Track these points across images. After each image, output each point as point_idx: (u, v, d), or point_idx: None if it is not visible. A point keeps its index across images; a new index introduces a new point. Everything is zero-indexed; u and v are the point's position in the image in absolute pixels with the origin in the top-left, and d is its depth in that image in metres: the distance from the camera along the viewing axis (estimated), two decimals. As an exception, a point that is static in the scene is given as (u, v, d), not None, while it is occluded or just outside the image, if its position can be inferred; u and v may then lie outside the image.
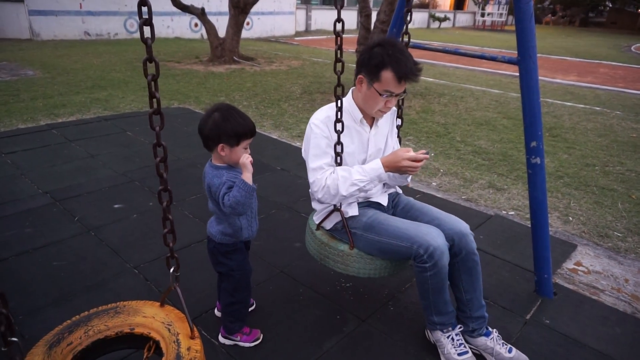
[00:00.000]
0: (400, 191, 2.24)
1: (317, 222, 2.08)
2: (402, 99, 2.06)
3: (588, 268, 2.74)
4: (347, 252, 1.95)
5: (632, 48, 19.47)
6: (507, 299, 2.38)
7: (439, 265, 1.75)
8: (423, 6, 29.17)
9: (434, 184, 3.98)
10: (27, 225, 2.89)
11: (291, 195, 3.44)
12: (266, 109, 6.38)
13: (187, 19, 15.34)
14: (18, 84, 6.91)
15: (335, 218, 2.00)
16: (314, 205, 2.09)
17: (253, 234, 1.88)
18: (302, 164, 3.37)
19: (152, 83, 1.19)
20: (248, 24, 16.82)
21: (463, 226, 1.89)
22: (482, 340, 1.94)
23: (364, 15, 7.44)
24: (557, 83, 9.90)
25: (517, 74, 2.11)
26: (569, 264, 2.76)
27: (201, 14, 10.17)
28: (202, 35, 15.36)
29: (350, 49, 10.25)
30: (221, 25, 11.51)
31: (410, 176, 2.09)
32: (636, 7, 33.87)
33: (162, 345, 1.32)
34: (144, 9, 1.03)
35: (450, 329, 1.91)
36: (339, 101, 1.79)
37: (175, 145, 4.51)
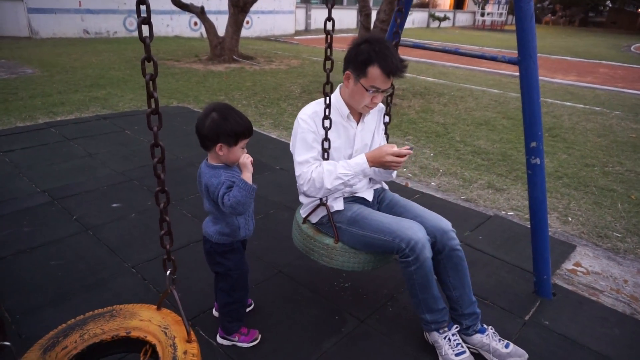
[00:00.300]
0: (386, 187, 2.28)
1: (303, 216, 2.13)
2: (391, 97, 2.09)
3: (587, 269, 2.73)
4: (331, 245, 2.00)
5: (631, 48, 19.47)
6: (506, 300, 2.37)
7: (420, 258, 1.79)
8: (423, 5, 29.14)
9: (434, 184, 3.97)
10: (25, 224, 2.88)
11: (290, 195, 3.43)
12: (265, 108, 6.37)
13: (186, 17, 15.31)
14: (17, 82, 6.89)
15: (321, 212, 2.05)
16: (301, 199, 2.12)
17: (250, 233, 1.88)
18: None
19: (151, 82, 1.18)
20: (248, 22, 16.80)
21: (444, 223, 1.94)
22: (477, 337, 1.94)
23: (364, 14, 7.43)
24: (557, 83, 9.89)
25: (517, 73, 2.10)
26: (568, 265, 2.76)
27: (201, 12, 10.16)
28: (201, 34, 15.34)
29: (349, 48, 10.23)
30: (221, 24, 11.50)
31: (395, 171, 2.12)
32: (636, 7, 33.87)
33: (159, 349, 1.31)
34: (143, 7, 1.02)
35: (446, 329, 1.91)
36: (327, 98, 1.82)
37: (174, 144, 4.50)
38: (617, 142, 5.44)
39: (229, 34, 10.21)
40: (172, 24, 15.24)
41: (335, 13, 22.22)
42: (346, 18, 21.69)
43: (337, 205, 2.02)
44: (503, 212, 3.46)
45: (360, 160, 1.86)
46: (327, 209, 1.99)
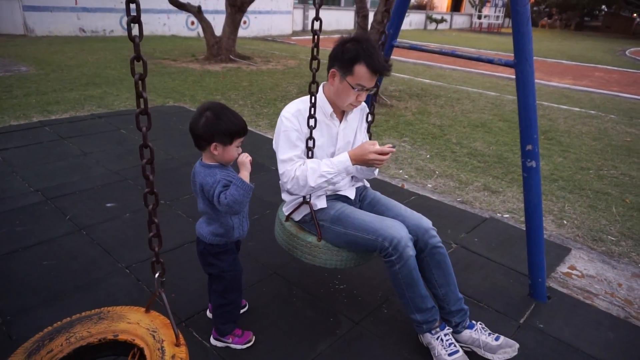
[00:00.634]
0: (367, 185, 2.30)
1: (286, 214, 2.14)
2: (375, 95, 2.09)
3: (582, 272, 2.74)
4: (314, 243, 2.01)
5: (626, 52, 19.59)
6: (501, 303, 2.37)
7: (404, 256, 1.81)
8: (420, 7, 29.22)
9: (429, 185, 3.97)
10: (17, 224, 2.85)
11: (286, 196, 3.41)
12: (262, 108, 6.36)
13: (183, 16, 15.26)
14: (11, 80, 6.83)
15: (304, 210, 2.06)
16: (284, 196, 2.13)
17: (244, 234, 1.86)
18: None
19: (140, 82, 1.16)
20: (245, 22, 16.77)
21: (425, 222, 1.97)
22: (467, 333, 1.96)
23: (361, 15, 7.42)
24: (553, 86, 9.93)
25: (514, 76, 2.10)
26: (563, 268, 2.76)
27: (198, 12, 10.12)
28: (198, 33, 15.30)
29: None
30: (218, 24, 11.48)
31: (377, 169, 2.13)
32: (631, 12, 34.10)
33: (146, 352, 1.29)
34: (132, 6, 1.01)
35: (438, 329, 1.92)
36: (313, 97, 1.83)
37: (169, 144, 4.48)
38: (612, 146, 5.46)
39: (226, 34, 10.18)
40: (169, 23, 15.19)
41: (333, 14, 22.28)
42: (343, 19, 21.69)
43: (320, 203, 2.03)
44: (499, 214, 3.47)
45: (343, 158, 1.88)
46: (310, 207, 2.01)
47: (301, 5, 20.19)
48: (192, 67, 9.20)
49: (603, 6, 35.15)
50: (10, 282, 2.31)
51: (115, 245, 2.68)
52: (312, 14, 20.99)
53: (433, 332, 1.92)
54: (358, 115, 2.13)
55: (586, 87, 10.11)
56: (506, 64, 2.15)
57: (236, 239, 1.84)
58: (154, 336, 1.34)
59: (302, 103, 1.95)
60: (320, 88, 2.01)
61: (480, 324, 2.00)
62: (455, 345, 1.90)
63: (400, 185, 3.92)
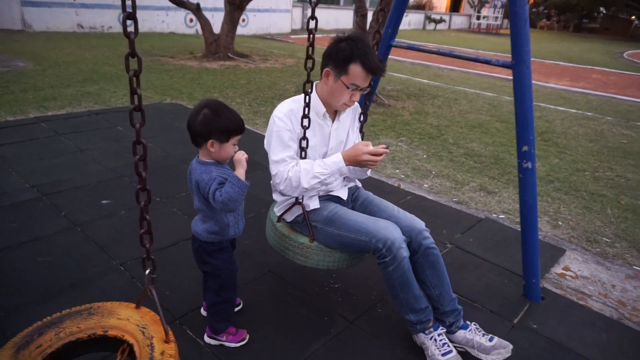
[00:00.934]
0: (359, 185, 2.29)
1: (278, 214, 2.13)
2: (369, 95, 2.09)
3: (576, 273, 2.75)
4: (307, 244, 2.01)
5: (624, 54, 19.65)
6: (495, 303, 2.38)
7: (398, 257, 1.81)
8: (419, 7, 29.22)
9: (426, 185, 3.98)
10: (12, 220, 2.84)
11: (282, 194, 3.40)
12: (259, 106, 6.35)
13: (182, 14, 15.21)
14: (8, 76, 6.80)
15: (296, 211, 2.05)
16: (275, 197, 2.12)
17: (239, 232, 1.86)
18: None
19: (134, 79, 1.16)
20: (244, 20, 16.73)
21: (418, 223, 1.97)
22: (461, 334, 1.96)
23: (360, 15, 7.42)
24: (551, 87, 9.96)
25: (511, 77, 2.11)
26: (557, 269, 2.77)
27: (196, 9, 10.09)
28: (197, 30, 15.25)
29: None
30: (216, 22, 11.44)
31: (370, 169, 2.13)
32: (629, 14, 34.19)
33: (136, 348, 1.29)
34: (128, 2, 1.00)
35: (432, 329, 1.92)
36: (307, 97, 1.82)
37: (166, 141, 4.47)
38: (608, 148, 5.48)
39: (225, 32, 10.16)
40: (168, 20, 15.14)
41: (332, 13, 22.26)
42: (343, 18, 21.67)
43: (313, 203, 2.02)
44: (494, 215, 3.48)
45: (337, 159, 1.88)
46: (303, 207, 2.00)
47: (300, 4, 20.16)
48: (190, 65, 9.18)
49: (601, 8, 35.23)
50: (4, 278, 2.30)
51: (110, 242, 2.67)
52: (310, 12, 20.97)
53: (427, 332, 1.92)
54: (351, 115, 2.13)
55: (583, 89, 10.14)
56: (503, 65, 2.15)
57: (232, 237, 1.84)
58: (143, 332, 1.34)
59: (294, 103, 1.94)
60: (314, 87, 2.00)
61: (474, 324, 2.00)
62: (448, 345, 1.90)
63: (396, 185, 3.93)
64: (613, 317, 2.35)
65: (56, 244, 2.62)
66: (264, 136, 5.29)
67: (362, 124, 2.22)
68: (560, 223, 3.40)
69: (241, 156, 1.72)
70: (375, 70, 1.81)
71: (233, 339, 1.94)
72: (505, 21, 31.34)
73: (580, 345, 2.11)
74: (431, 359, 1.89)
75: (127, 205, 3.13)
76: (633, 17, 34.05)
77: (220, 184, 1.65)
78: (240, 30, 12.58)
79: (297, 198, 2.00)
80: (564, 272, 2.75)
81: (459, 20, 31.79)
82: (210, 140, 1.66)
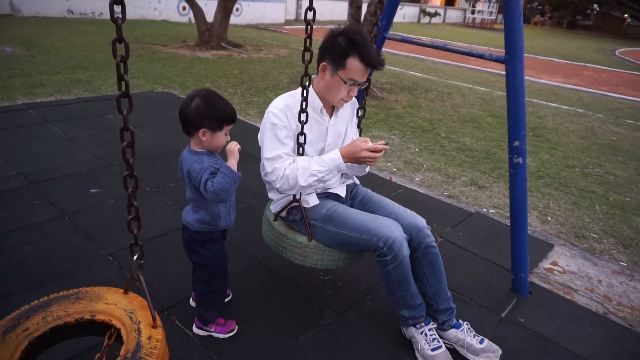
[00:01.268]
0: (357, 182, 2.25)
1: (274, 213, 2.07)
2: (367, 90, 2.05)
3: (564, 268, 2.78)
4: (305, 243, 1.95)
5: (616, 52, 19.80)
6: (483, 297, 2.40)
7: (399, 257, 1.78)
8: (414, 0, 29.13)
9: (417, 179, 3.99)
10: (-2, 208, 2.80)
11: (273, 186, 3.38)
12: (252, 97, 6.30)
13: (174, 1, 15.02)
14: (-5, 61, 6.68)
15: (293, 209, 2.00)
16: (271, 195, 2.08)
17: (231, 223, 1.85)
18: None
19: (122, 65, 1.15)
20: (237, 10, 16.56)
21: (419, 220, 1.93)
22: (452, 332, 1.96)
23: (355, 6, 7.37)
24: (543, 84, 10.01)
25: (504, 72, 2.10)
26: (546, 264, 2.80)
27: (189, -3, 9.97)
28: (189, 19, 15.07)
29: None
30: (210, 10, 11.32)
31: (368, 166, 2.10)
32: (622, 12, 34.40)
33: (123, 333, 1.29)
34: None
35: (423, 324, 1.92)
36: (305, 91, 1.75)
37: (157, 130, 4.42)
38: (598, 145, 5.53)
39: (218, 21, 10.05)
40: (160, 8, 14.93)
41: (326, 4, 22.10)
42: (337, 9, 21.54)
43: (312, 200, 1.97)
44: (484, 209, 3.49)
45: (335, 156, 1.82)
46: (301, 205, 1.94)
47: (295, -6, 19.99)
48: (182, 53, 9.08)
49: (595, 5, 35.39)
50: (-10, 266, 2.27)
51: (99, 231, 2.65)
52: (305, 3, 20.78)
53: (417, 326, 1.93)
54: (348, 110, 2.07)
55: (575, 85, 10.21)
56: (497, 60, 2.15)
57: (223, 228, 1.83)
58: (131, 317, 1.34)
59: (290, 98, 1.88)
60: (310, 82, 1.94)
61: (466, 324, 1.99)
62: (438, 341, 1.90)
63: (388, 178, 3.93)
64: (599, 312, 2.38)
65: (44, 232, 2.59)
66: (256, 127, 5.26)
67: (360, 119, 2.17)
68: (549, 218, 3.43)
69: (234, 147, 1.71)
70: (374, 64, 1.75)
71: (222, 330, 1.94)
72: (500, 16, 31.40)
73: (566, 339, 2.14)
74: (420, 353, 1.90)
75: (116, 195, 3.09)
76: (626, 15, 34.28)
77: (212, 174, 1.64)
78: (233, 19, 12.44)
79: (294, 196, 1.94)
80: (552, 267, 2.77)
81: (453, 14, 31.77)
82: (202, 129, 1.64)
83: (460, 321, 2.00)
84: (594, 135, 5.97)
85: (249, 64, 8.68)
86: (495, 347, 1.93)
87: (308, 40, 1.72)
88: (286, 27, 17.85)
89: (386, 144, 1.81)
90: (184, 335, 1.94)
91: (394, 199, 2.13)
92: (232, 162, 1.68)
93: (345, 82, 1.78)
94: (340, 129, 2.03)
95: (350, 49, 1.73)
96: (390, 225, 1.82)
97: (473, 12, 30.43)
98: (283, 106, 1.85)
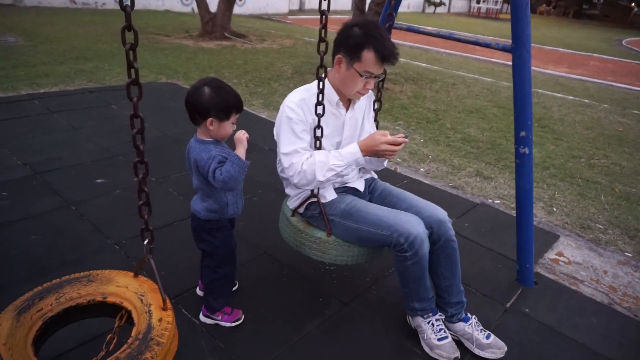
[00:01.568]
0: (376, 176, 2.22)
1: (292, 208, 2.04)
2: (383, 82, 2.02)
3: (569, 259, 2.77)
4: (324, 239, 1.92)
5: (623, 42, 19.58)
6: (488, 287, 2.40)
7: (419, 254, 1.75)
8: (419, -10, 28.79)
9: (422, 170, 3.97)
10: (3, 197, 2.81)
11: (277, 176, 3.38)
12: (256, 87, 6.28)
13: (177, -9, 14.92)
14: (-1, 51, 6.67)
15: (311, 204, 1.96)
16: (288, 190, 2.05)
17: (238, 212, 1.85)
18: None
19: (131, 52, 1.15)
20: (240, 0, 16.44)
21: (441, 213, 1.89)
22: (460, 325, 1.96)
23: (359, -5, 7.31)
24: (548, 74, 9.92)
25: (510, 63, 2.08)
26: (551, 254, 2.79)
27: (192, -14, 9.90)
28: (193, 9, 14.98)
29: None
30: (213, 0, 11.23)
31: (387, 160, 2.07)
32: (629, 1, 33.96)
33: (134, 315, 1.32)
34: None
35: (430, 314, 1.92)
36: (321, 83, 1.72)
37: (161, 121, 4.42)
38: (604, 135, 5.49)
39: (221, 11, 9.98)
40: (163, -2, 14.84)
41: (330, -7, 21.85)
42: (341, -1, 21.36)
43: (329, 194, 1.94)
44: (490, 200, 3.49)
45: (353, 150, 1.78)
46: (319, 200, 1.90)
47: (298, -16, 19.82)
48: (185, 44, 9.04)
49: (602, -6, 34.96)
50: (-3, 256, 2.28)
51: (104, 221, 2.66)
52: (309, -8, 20.61)
53: (425, 316, 1.93)
54: (365, 103, 2.03)
55: (581, 75, 10.11)
56: (503, 49, 2.13)
57: (230, 216, 1.83)
58: (141, 300, 1.36)
59: (305, 92, 1.84)
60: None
61: (474, 318, 1.97)
62: (445, 331, 1.91)
63: (393, 168, 3.92)
64: (604, 302, 2.38)
65: (49, 222, 2.60)
66: (260, 117, 5.25)
67: (377, 112, 2.13)
68: (554, 209, 3.42)
69: (242, 135, 1.71)
70: (390, 56, 1.71)
71: (228, 319, 1.95)
72: (505, 6, 31.04)
73: (570, 330, 2.14)
74: (426, 342, 1.91)
75: (122, 185, 3.10)
76: (633, 4, 33.83)
77: (220, 163, 1.64)
78: (237, 9, 12.36)
79: (312, 190, 1.90)
80: (558, 257, 2.77)
81: (458, 4, 31.43)
82: (210, 119, 1.64)
83: (469, 315, 1.99)
84: (599, 125, 5.93)
85: (252, 54, 8.64)
86: (501, 343, 1.92)
87: (323, 31, 1.66)
88: (290, 17, 17.72)
89: (406, 137, 1.77)
90: (190, 323, 1.96)
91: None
92: (241, 151, 1.68)
93: (361, 75, 1.75)
94: (357, 122, 1.99)
95: (365, 41, 1.69)
96: (412, 220, 1.78)
97: (478, 2, 30.09)
98: (299, 100, 1.81)
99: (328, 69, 1.86)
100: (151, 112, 4.63)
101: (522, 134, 2.14)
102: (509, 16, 1.97)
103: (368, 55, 1.71)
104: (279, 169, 1.97)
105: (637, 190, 3.90)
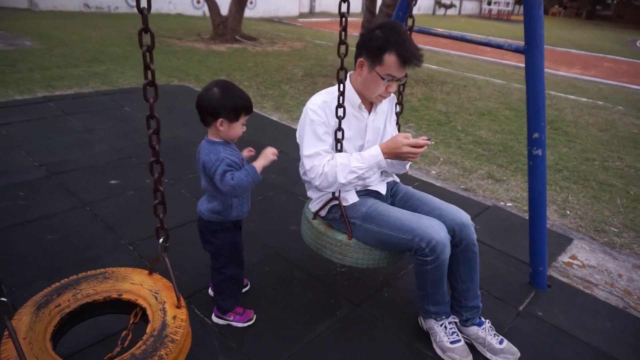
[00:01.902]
0: (398, 180, 2.20)
1: (313, 211, 2.04)
2: (404, 85, 2.01)
3: (583, 262, 2.74)
4: (345, 242, 1.91)
5: (637, 43, 19.31)
6: (500, 290, 2.38)
7: (440, 259, 1.74)
8: (429, -8, 28.72)
9: (433, 172, 3.96)
10: (20, 197, 2.86)
11: (289, 178, 3.41)
12: (267, 90, 6.31)
13: (189, -5, 15.06)
14: (15, 54, 6.79)
15: (333, 207, 1.96)
16: (310, 193, 2.05)
17: (243, 215, 1.86)
18: (301, 147, 3.33)
19: (147, 54, 1.17)
20: (251, 3, 16.55)
21: (464, 217, 1.87)
22: (474, 329, 1.94)
23: (370, -2, 7.32)
24: (561, 75, 9.82)
25: (521, 64, 2.07)
26: (564, 258, 2.77)
27: (204, -10, 9.98)
28: (204, 12, 15.10)
29: (354, 33, 10.08)
30: (224, 3, 11.31)
31: (409, 163, 2.06)
32: (644, 1, 33.47)
33: (149, 312, 1.34)
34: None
35: (444, 317, 1.91)
36: (342, 85, 1.72)
37: (173, 123, 4.46)
38: (618, 137, 5.42)
39: (232, 14, 10.06)
40: (175, 1, 14.99)
41: (340, -4, 21.89)
42: (353, 1, 21.35)
43: (351, 197, 1.94)
44: (502, 202, 3.46)
45: (375, 152, 1.77)
46: (340, 203, 1.90)
47: (308, -13, 19.89)
48: (197, 47, 9.12)
49: (615, -5, 34.52)
50: (13, 254, 2.33)
51: (118, 221, 2.69)
52: (319, -5, 20.66)
53: (438, 318, 1.92)
54: (387, 106, 2.03)
55: (594, 77, 9.99)
56: (516, 50, 2.12)
57: (234, 219, 1.84)
58: (156, 297, 1.38)
59: (328, 94, 1.85)
60: (348, 77, 1.89)
61: (488, 322, 1.95)
62: (457, 335, 1.89)
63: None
64: (618, 306, 2.35)
65: (64, 222, 2.64)
66: (271, 120, 5.28)
67: (398, 115, 2.12)
68: (568, 212, 3.38)
69: (270, 152, 1.73)
70: (412, 59, 1.70)
71: (240, 319, 1.96)
72: (517, 7, 30.83)
73: (584, 333, 2.12)
74: (438, 344, 1.90)
75: (135, 186, 3.14)
76: (648, 4, 33.32)
77: (229, 166, 1.65)
78: (247, 12, 12.43)
79: (333, 193, 1.90)
80: (571, 260, 2.74)
81: (469, 6, 31.28)
82: (220, 119, 1.66)
83: (483, 319, 1.97)
84: (614, 127, 5.85)
85: (263, 57, 8.69)
86: (514, 349, 1.90)
87: (343, 33, 1.67)
88: (300, 20, 17.78)
89: (429, 139, 1.75)
90: (202, 323, 1.97)
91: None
92: (260, 164, 1.69)
93: (382, 78, 1.74)
94: (379, 125, 1.99)
95: (387, 44, 1.69)
96: (435, 225, 1.76)
97: (489, 4, 29.92)
98: (321, 102, 1.82)
99: (350, 72, 1.86)
100: (163, 115, 4.62)
101: (535, 135, 2.12)
102: (520, 17, 1.97)
103: (390, 59, 1.70)
104: (301, 172, 1.98)
105: (652, 193, 3.84)
